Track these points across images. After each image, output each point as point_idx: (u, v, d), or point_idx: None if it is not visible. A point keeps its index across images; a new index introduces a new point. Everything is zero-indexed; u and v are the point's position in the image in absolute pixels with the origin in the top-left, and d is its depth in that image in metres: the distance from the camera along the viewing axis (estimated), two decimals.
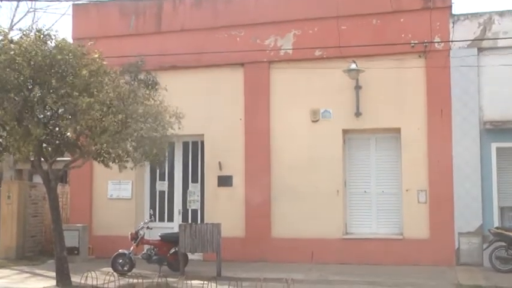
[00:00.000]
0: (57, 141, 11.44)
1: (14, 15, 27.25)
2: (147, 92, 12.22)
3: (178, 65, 15.21)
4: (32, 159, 11.48)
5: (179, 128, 12.56)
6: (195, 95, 15.12)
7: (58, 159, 12.20)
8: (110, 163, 11.67)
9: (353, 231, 14.48)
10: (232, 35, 15.15)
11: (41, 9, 36.32)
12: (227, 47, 14.80)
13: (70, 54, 10.66)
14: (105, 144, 10.75)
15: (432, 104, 13.78)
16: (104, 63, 11.18)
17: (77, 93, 10.22)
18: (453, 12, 13.92)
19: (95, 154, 11.37)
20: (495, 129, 13.32)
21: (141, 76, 13.03)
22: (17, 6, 25.42)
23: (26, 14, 30.06)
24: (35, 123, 10.37)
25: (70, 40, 14.23)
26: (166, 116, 12.19)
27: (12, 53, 10.25)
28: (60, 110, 10.69)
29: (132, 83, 12.53)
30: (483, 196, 13.37)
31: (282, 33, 14.87)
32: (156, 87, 12.98)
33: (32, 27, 11.16)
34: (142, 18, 15.92)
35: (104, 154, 11.44)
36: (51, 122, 11.05)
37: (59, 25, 53.16)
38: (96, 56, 11.06)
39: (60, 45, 10.75)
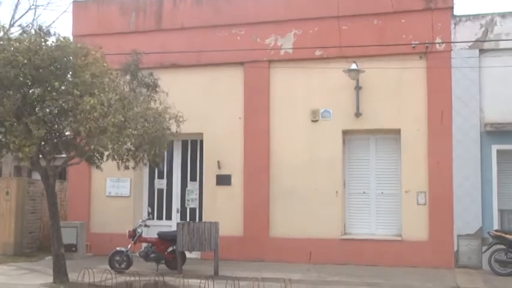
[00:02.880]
0: (55, 140, 11.39)
1: (15, 12, 27.20)
2: (147, 93, 12.20)
3: (178, 63, 15.19)
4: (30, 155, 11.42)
5: (177, 132, 12.61)
6: (194, 94, 15.08)
7: (57, 156, 12.16)
8: (103, 164, 11.59)
9: (352, 231, 14.43)
10: (233, 33, 15.10)
11: (41, 6, 36.29)
12: (227, 46, 14.76)
13: (70, 52, 10.61)
14: (101, 146, 10.66)
15: (432, 105, 13.73)
16: (105, 64, 11.11)
17: (78, 92, 10.18)
18: (455, 13, 13.88)
19: (88, 155, 11.29)
20: (496, 131, 13.27)
21: (142, 75, 13.02)
22: (18, 3, 25.41)
23: (27, 11, 30.13)
24: (34, 120, 10.32)
25: (70, 37, 14.23)
26: (166, 117, 12.17)
27: (12, 49, 10.20)
28: (58, 109, 10.60)
29: (133, 83, 12.52)
30: (483, 198, 13.32)
31: (282, 33, 14.82)
32: (157, 89, 12.99)
33: (32, 24, 11.13)
34: (143, 16, 15.86)
35: (97, 155, 11.36)
36: (49, 119, 10.98)
37: (60, 22, 53.29)
38: (99, 55, 10.99)
39: (61, 43, 10.70)
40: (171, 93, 13.28)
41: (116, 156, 11.18)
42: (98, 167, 11.73)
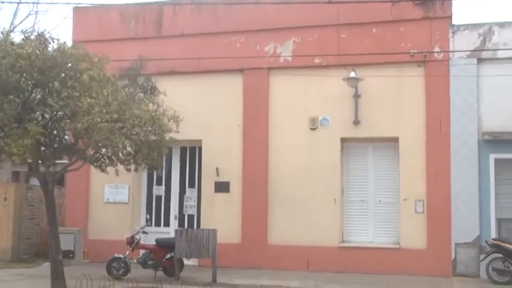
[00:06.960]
0: (56, 145, 11.41)
1: (14, 17, 27.23)
2: (145, 96, 12.24)
3: (178, 70, 15.21)
4: (29, 161, 11.43)
5: (177, 132, 12.59)
6: (193, 101, 15.08)
7: (57, 161, 12.17)
8: (110, 167, 11.59)
9: (350, 239, 14.43)
10: (232, 41, 15.14)
11: (42, 11, 36.38)
12: (227, 53, 14.77)
13: (71, 57, 10.69)
14: (100, 145, 10.70)
15: (431, 113, 13.77)
16: (105, 66, 11.17)
17: (78, 95, 10.25)
18: (453, 22, 13.95)
19: (92, 158, 11.32)
20: (494, 140, 13.30)
21: (140, 80, 13.04)
22: (17, 8, 25.45)
23: (27, 17, 30.11)
24: (33, 123, 10.36)
25: (70, 43, 14.28)
26: (164, 119, 12.19)
27: (14, 54, 10.25)
28: (59, 113, 10.67)
29: (131, 87, 12.55)
30: (480, 207, 13.33)
31: (281, 40, 14.87)
32: (155, 92, 13.00)
33: (33, 29, 11.20)
34: (143, 23, 15.90)
35: (102, 158, 11.39)
36: (50, 124, 11.02)
37: (60, 28, 53.35)
38: (96, 60, 11.07)
39: (61, 48, 10.77)
40: (170, 100, 13.26)
41: (115, 160, 11.20)
42: (103, 170, 11.70)
